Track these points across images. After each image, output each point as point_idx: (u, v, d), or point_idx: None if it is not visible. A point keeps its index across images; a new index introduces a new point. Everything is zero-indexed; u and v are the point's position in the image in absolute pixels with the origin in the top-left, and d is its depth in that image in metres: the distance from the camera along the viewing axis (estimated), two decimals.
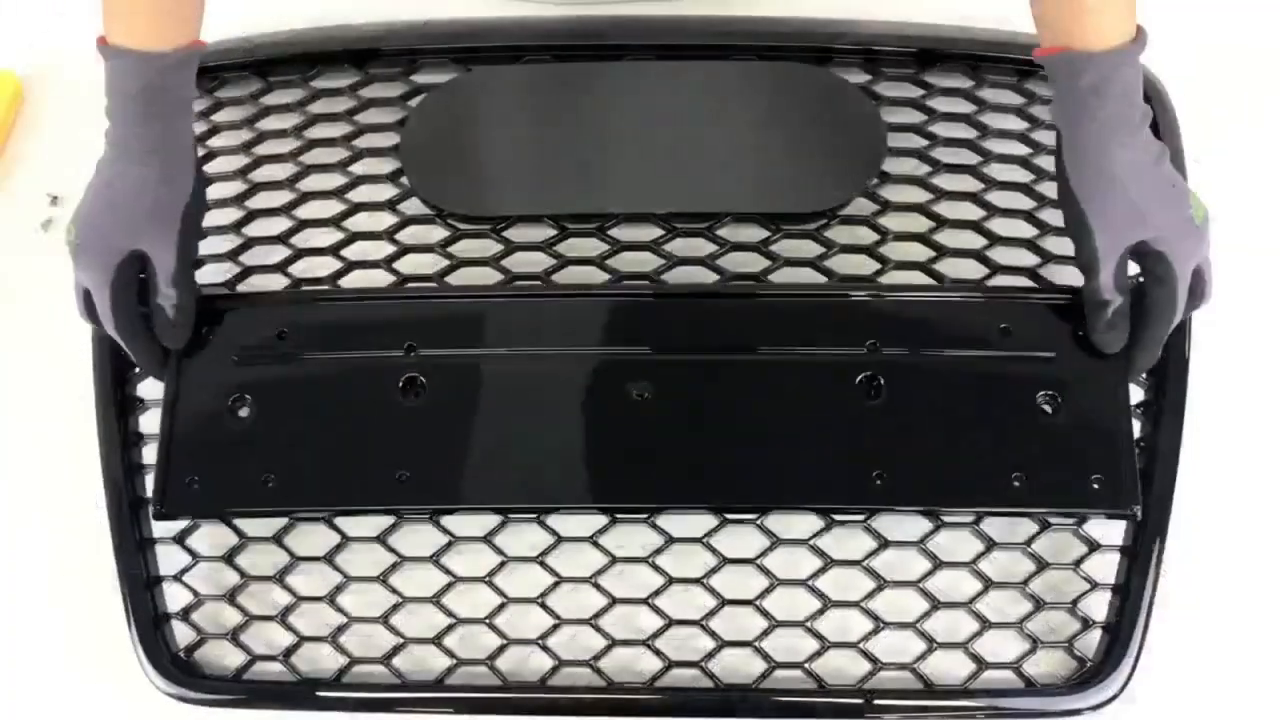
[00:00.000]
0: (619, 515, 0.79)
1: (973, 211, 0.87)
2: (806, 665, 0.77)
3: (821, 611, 0.78)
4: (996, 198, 0.87)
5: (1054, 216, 0.81)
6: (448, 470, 0.78)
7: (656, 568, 0.79)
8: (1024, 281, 0.84)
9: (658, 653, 0.78)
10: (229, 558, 0.81)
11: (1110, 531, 0.79)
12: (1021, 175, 0.87)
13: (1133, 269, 0.75)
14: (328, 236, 0.88)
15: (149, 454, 0.82)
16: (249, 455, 0.78)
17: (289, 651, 0.79)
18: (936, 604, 0.78)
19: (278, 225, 0.88)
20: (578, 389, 0.79)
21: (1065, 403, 0.77)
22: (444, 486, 0.78)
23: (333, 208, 0.89)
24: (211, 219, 0.84)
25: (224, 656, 0.80)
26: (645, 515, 0.79)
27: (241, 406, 0.79)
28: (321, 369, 0.80)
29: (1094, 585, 0.78)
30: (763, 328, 0.80)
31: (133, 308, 0.77)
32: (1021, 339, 0.78)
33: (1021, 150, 0.88)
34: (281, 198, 0.89)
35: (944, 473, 0.76)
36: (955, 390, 0.78)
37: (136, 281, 0.77)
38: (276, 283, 0.87)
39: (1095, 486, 0.75)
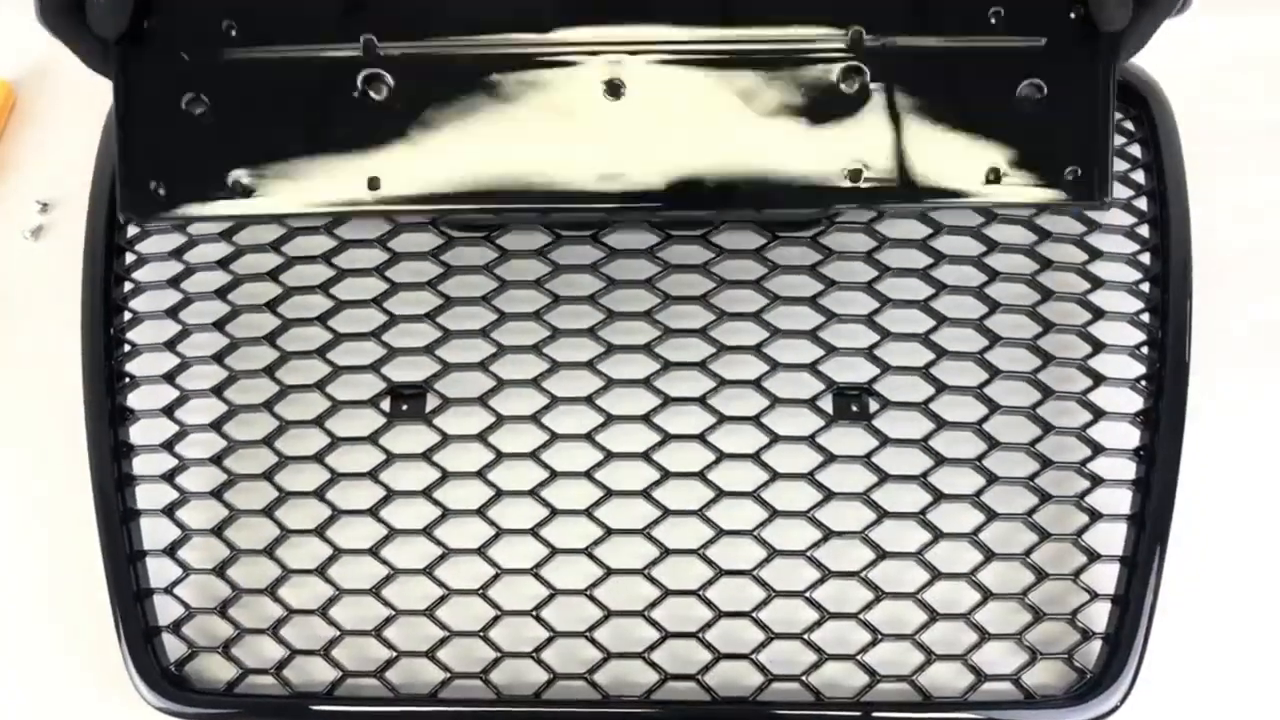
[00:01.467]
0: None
1: None
2: (804, 677, 0.76)
3: (819, 623, 0.77)
4: None
5: None
6: (420, 171, 0.75)
7: (652, 579, 0.78)
8: None
9: (654, 665, 0.77)
10: (220, 570, 0.80)
11: (1111, 540, 0.79)
12: None
13: None
14: None
15: (140, 465, 0.81)
16: (211, 156, 0.75)
17: (281, 664, 0.78)
18: (935, 615, 0.77)
19: None
20: (550, 82, 0.76)
21: (1049, 93, 0.75)
22: (419, 189, 0.76)
23: None
24: None
25: (215, 669, 0.79)
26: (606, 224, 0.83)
27: (197, 105, 0.76)
28: (278, 64, 0.76)
29: (1094, 596, 0.78)
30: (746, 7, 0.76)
31: None
32: (1014, 22, 0.75)
33: None
34: None
35: (923, 166, 0.75)
36: (940, 80, 0.76)
37: None
38: None
39: (1069, 178, 0.75)
